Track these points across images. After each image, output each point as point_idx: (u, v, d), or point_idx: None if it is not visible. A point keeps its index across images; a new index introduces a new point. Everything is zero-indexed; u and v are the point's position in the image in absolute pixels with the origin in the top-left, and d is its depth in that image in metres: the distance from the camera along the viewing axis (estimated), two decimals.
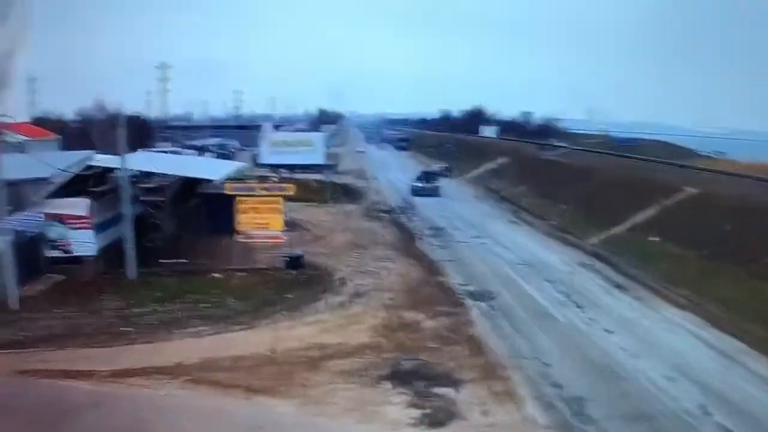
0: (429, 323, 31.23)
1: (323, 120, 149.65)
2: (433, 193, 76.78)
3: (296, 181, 57.62)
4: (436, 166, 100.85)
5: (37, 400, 22.53)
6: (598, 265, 43.63)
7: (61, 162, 41.10)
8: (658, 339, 29.88)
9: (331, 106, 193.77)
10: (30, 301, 32.61)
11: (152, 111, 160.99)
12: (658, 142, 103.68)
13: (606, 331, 30.73)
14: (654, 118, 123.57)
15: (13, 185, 40.92)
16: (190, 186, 44.67)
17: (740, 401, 23.49)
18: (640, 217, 51.01)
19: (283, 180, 52.51)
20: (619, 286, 38.59)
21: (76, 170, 38.64)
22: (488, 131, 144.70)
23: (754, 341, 28.97)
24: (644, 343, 29.22)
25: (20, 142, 69.70)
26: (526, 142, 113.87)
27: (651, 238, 46.19)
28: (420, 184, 79.04)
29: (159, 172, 41.66)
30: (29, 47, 29.92)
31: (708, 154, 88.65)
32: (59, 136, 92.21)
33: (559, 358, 27.25)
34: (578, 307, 34.41)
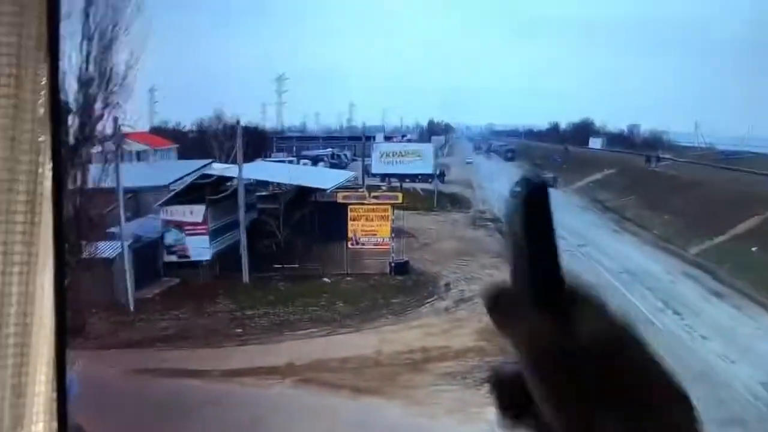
0: None
1: (432, 131, 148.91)
2: None
3: (405, 190, 57.59)
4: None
5: (153, 397, 22.79)
6: (699, 274, 42.21)
7: (178, 170, 42.07)
8: (754, 346, 28.67)
9: (440, 118, 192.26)
10: (147, 303, 33.40)
11: (268, 121, 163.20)
12: (765, 155, 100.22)
13: (703, 337, 29.92)
14: (763, 132, 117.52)
15: (133, 192, 42.06)
16: (303, 194, 44.90)
17: None
18: (741, 228, 49.34)
19: (392, 189, 52.39)
20: (718, 294, 37.27)
21: (193, 178, 39.55)
22: (595, 143, 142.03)
23: None
24: (741, 350, 28.23)
25: (140, 150, 71.56)
26: (632, 153, 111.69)
27: (752, 249, 44.37)
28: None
29: (274, 180, 42.08)
30: (149, 58, 30.61)
31: None
32: (177, 145, 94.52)
33: None
34: (676, 314, 33.49)
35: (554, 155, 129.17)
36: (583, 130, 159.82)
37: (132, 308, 32.47)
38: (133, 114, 32.02)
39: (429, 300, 35.37)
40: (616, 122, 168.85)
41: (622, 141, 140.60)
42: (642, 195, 73.28)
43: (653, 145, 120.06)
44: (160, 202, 39.24)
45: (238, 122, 41.81)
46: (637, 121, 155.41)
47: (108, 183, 31.27)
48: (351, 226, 40.54)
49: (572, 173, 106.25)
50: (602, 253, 48.13)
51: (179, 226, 37.89)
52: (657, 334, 29.96)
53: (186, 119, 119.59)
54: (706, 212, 55.30)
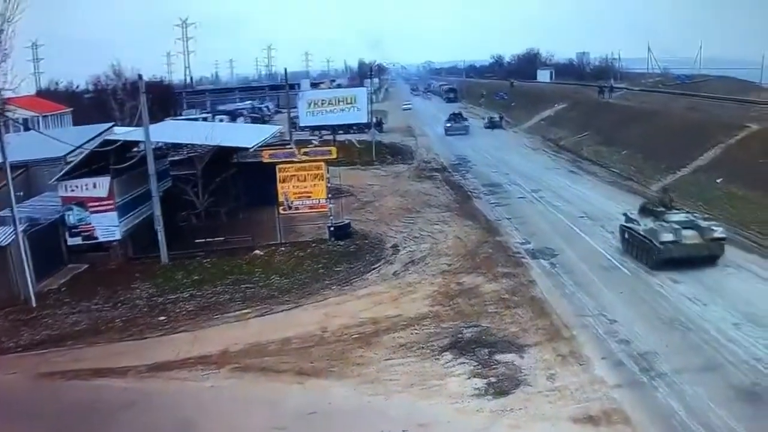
0: (489, 286, 30.93)
1: (364, 74, 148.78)
2: (462, 131, 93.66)
3: (339, 143, 57.14)
4: (489, 115, 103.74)
5: (66, 403, 22.12)
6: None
7: (75, 138, 40.65)
8: (725, 285, 29.70)
9: (372, 59, 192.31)
10: (51, 296, 32.41)
11: (175, 75, 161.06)
12: (721, 77, 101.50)
13: (673, 281, 30.50)
14: (717, 53, 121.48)
15: (23, 167, 40.53)
16: (223, 156, 44.03)
17: None
18: (704, 159, 51.22)
19: (324, 143, 51.95)
20: None
21: (93, 146, 38.30)
22: (543, 75, 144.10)
23: None
24: (710, 290, 29.02)
25: (27, 118, 69.37)
26: (584, 85, 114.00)
27: (716, 180, 46.18)
28: (450, 124, 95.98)
29: (187, 142, 41.09)
30: (29, 7, 29.18)
31: None
32: (71, 109, 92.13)
33: (624, 314, 27.07)
34: None
35: (499, 92, 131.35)
36: (529, 63, 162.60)
37: (34, 303, 31.18)
38: (15, 75, 30.42)
39: (375, 265, 35.21)
40: (563, 51, 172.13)
41: (571, 71, 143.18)
42: (597, 130, 76.00)
43: (605, 73, 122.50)
44: (56, 177, 37.53)
45: (140, 77, 40.28)
46: (586, 49, 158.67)
47: None
48: (281, 188, 39.69)
49: (521, 110, 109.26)
50: (559, 197, 49.38)
51: (82, 203, 36.49)
52: (624, 280, 31.23)
53: (79, 78, 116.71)
54: (666, 144, 57.61)
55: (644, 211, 34.89)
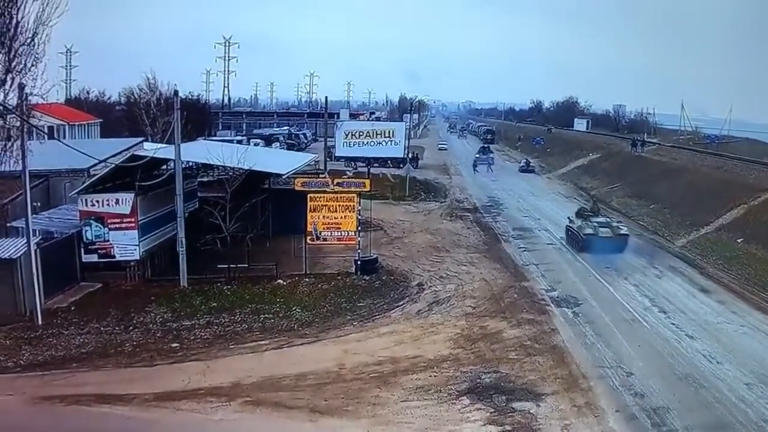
0: (511, 332, 30.54)
1: (405, 109, 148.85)
2: (488, 162, 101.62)
3: (373, 176, 56.43)
4: (524, 160, 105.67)
5: (62, 430, 21.23)
6: (685, 268, 43.93)
7: (102, 150, 39.68)
8: (739, 345, 29.60)
9: (413, 94, 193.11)
10: (59, 314, 31.29)
11: (212, 94, 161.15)
12: (748, 140, 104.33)
13: (689, 336, 30.61)
14: (746, 116, 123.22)
15: (44, 177, 39.53)
16: (254, 180, 43.11)
17: None
18: (727, 218, 52.28)
19: (358, 174, 51.19)
20: (704, 290, 38.58)
21: (120, 161, 37.36)
22: (580, 124, 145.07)
23: None
24: (726, 349, 28.99)
25: (52, 126, 68.73)
26: (618, 137, 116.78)
27: (737, 240, 47.73)
28: (478, 155, 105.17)
29: (219, 164, 40.06)
30: (66, 11, 28.07)
31: None
32: (100, 120, 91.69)
33: (641, 367, 26.81)
34: (662, 312, 34.18)
35: (537, 137, 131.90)
36: (567, 111, 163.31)
37: (40, 321, 29.85)
38: (45, 81, 29.29)
39: (399, 303, 34.37)
40: (601, 102, 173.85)
41: (607, 123, 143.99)
42: (628, 182, 77.33)
43: (638, 127, 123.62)
44: (77, 190, 36.70)
45: (175, 93, 39.25)
46: (622, 102, 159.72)
47: (11, 166, 28.80)
48: (311, 217, 38.80)
49: (556, 157, 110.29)
50: None
51: (101, 218, 35.35)
52: (643, 334, 30.80)
53: (112, 88, 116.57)
54: (692, 201, 59.23)
55: (578, 214, 50.42)
